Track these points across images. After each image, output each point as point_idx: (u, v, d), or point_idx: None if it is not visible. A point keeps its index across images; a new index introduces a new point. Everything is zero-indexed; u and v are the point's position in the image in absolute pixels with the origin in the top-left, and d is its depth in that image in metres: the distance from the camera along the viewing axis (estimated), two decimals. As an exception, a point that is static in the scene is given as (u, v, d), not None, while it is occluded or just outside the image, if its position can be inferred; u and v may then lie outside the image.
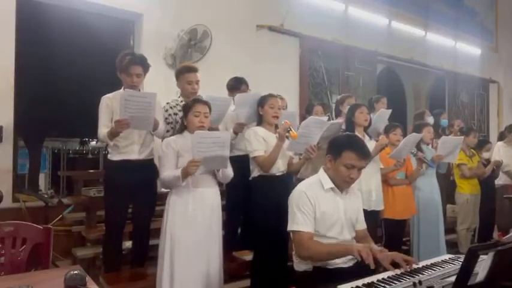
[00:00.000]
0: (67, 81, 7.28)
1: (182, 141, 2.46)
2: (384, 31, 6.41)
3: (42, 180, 9.20)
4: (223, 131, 3.03)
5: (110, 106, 2.73)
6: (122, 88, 2.79)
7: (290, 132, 2.64)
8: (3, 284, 1.53)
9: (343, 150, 1.97)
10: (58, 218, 3.63)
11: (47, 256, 1.96)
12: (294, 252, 2.05)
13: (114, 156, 2.79)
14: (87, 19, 4.60)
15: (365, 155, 2.01)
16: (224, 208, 3.49)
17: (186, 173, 2.32)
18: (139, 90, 2.86)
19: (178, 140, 2.47)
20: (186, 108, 2.52)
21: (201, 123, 2.45)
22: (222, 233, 2.62)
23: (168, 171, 2.39)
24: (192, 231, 2.38)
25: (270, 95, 2.89)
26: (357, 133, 3.17)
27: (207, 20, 4.40)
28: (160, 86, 3.48)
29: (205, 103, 2.52)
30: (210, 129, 2.85)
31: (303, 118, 3.40)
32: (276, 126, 2.86)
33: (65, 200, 3.92)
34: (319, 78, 5.85)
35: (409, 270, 1.68)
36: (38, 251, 1.96)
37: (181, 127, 2.60)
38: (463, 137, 4.24)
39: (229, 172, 2.55)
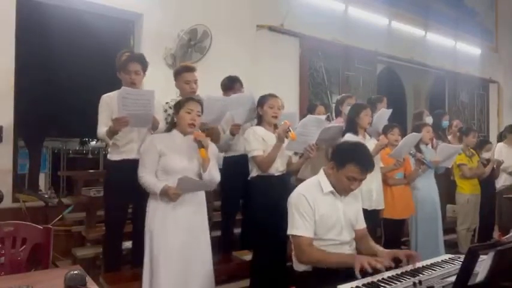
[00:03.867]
0: (67, 81, 7.29)
1: (168, 139, 2.39)
2: (384, 31, 6.41)
3: (42, 180, 9.22)
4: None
5: (110, 105, 2.72)
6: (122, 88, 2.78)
7: (289, 133, 2.64)
8: (3, 284, 1.53)
9: (347, 163, 1.95)
10: (58, 218, 3.62)
11: (47, 256, 1.96)
12: (293, 253, 2.05)
13: (113, 156, 2.79)
14: (87, 19, 4.61)
15: (369, 168, 1.98)
16: (218, 208, 3.51)
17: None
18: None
19: (164, 138, 2.40)
20: (178, 106, 2.43)
21: (192, 120, 2.37)
22: (218, 234, 2.53)
23: (148, 174, 2.33)
24: (173, 234, 2.30)
25: (270, 95, 2.88)
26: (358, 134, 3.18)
27: (207, 20, 4.39)
28: (160, 86, 3.45)
29: (198, 102, 2.45)
30: (210, 129, 2.86)
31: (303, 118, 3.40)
32: (276, 126, 2.85)
33: (65, 200, 3.92)
34: (319, 78, 5.85)
35: (411, 266, 1.68)
36: (38, 251, 1.97)
37: (170, 125, 2.53)
38: (461, 145, 4.40)
39: (215, 175, 2.42)
